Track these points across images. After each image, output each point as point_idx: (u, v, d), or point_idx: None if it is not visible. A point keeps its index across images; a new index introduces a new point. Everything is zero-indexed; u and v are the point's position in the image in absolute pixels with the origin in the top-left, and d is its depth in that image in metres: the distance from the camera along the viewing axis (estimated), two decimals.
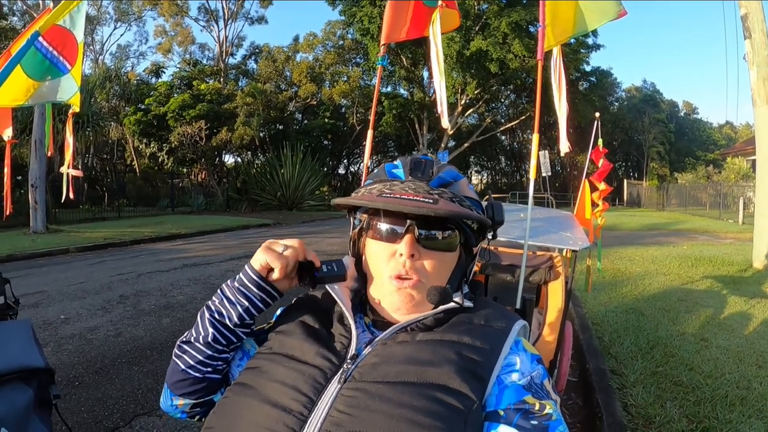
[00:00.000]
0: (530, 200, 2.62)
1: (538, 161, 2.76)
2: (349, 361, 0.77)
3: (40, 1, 13.73)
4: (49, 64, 3.11)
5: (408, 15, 2.93)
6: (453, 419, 0.67)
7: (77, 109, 3.38)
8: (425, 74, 26.52)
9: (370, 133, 2.78)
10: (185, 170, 26.13)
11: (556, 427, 0.69)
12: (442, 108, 2.80)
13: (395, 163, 0.91)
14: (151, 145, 23.69)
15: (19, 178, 14.93)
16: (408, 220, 0.82)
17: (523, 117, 28.37)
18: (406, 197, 0.80)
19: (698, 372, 3.17)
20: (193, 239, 11.73)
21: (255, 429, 0.71)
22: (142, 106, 23.77)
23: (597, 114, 4.71)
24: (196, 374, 0.87)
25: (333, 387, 0.74)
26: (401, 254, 0.81)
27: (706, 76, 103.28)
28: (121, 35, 55.12)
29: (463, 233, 0.87)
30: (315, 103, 27.82)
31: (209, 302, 0.89)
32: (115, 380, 3.29)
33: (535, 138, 2.61)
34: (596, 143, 4.40)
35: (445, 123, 2.79)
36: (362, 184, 0.93)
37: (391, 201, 0.80)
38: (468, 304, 0.86)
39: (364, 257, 0.89)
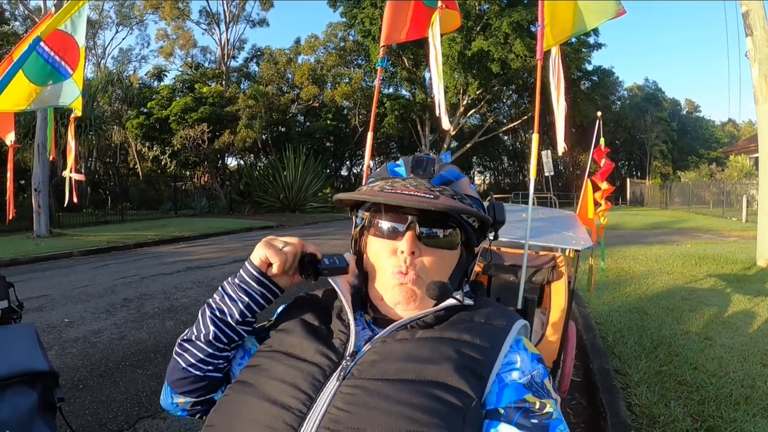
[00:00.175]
0: (530, 200, 2.61)
1: (540, 161, 2.76)
2: (348, 358, 0.78)
3: (42, 6, 13.78)
4: (51, 69, 3.13)
5: (408, 16, 2.93)
6: (451, 416, 0.68)
7: (79, 114, 3.40)
8: (427, 75, 26.50)
9: (370, 134, 2.78)
10: (188, 173, 26.17)
11: (557, 425, 0.69)
12: (441, 110, 2.80)
13: (397, 162, 0.92)
14: (154, 149, 23.77)
15: (22, 182, 15.02)
16: (409, 217, 0.82)
17: (525, 117, 28.31)
18: (407, 192, 0.81)
19: (702, 371, 3.16)
20: (196, 242, 11.75)
21: (255, 426, 0.71)
22: (145, 110, 23.85)
23: (598, 113, 4.70)
24: (197, 372, 0.87)
25: (332, 384, 0.74)
26: (402, 251, 0.82)
27: (708, 74, 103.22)
28: (123, 39, 55.16)
29: (464, 232, 0.88)
30: (317, 105, 27.86)
31: (210, 300, 0.89)
32: (119, 383, 3.30)
33: (535, 138, 2.61)
34: (598, 142, 4.38)
35: (446, 125, 2.79)
36: (364, 183, 0.93)
37: (392, 196, 0.81)
38: (468, 301, 0.86)
39: (365, 255, 0.90)
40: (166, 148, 23.27)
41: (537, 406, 0.71)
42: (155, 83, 27.85)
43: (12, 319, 2.11)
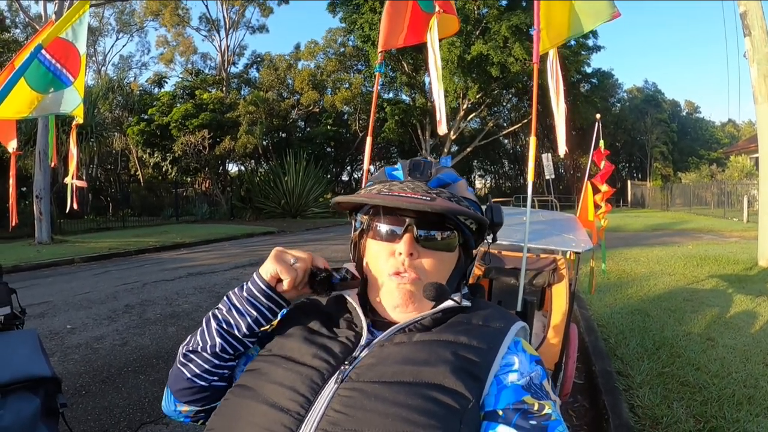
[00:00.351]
0: (529, 202, 2.62)
1: (540, 164, 2.77)
2: (346, 362, 0.78)
3: (43, 13, 13.85)
4: (53, 77, 3.15)
5: (405, 21, 2.94)
6: (448, 418, 0.68)
7: (81, 121, 3.42)
8: (427, 80, 26.56)
9: (369, 139, 2.79)
10: (189, 179, 26.22)
11: (555, 427, 0.70)
12: (441, 116, 2.81)
13: (395, 165, 0.93)
14: (155, 155, 23.84)
15: (24, 189, 15.03)
16: (407, 220, 0.83)
17: (526, 120, 28.27)
18: (404, 195, 0.82)
19: (705, 372, 3.15)
20: (197, 248, 11.76)
21: (254, 429, 0.72)
22: (145, 116, 23.93)
23: (598, 115, 4.70)
24: (202, 383, 0.88)
25: (330, 387, 0.74)
26: (400, 253, 0.82)
27: (707, 74, 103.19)
28: (123, 46, 55.83)
29: (462, 234, 0.88)
30: (317, 110, 27.91)
31: (215, 310, 0.89)
32: (122, 389, 3.30)
33: (533, 141, 2.61)
34: (598, 145, 4.39)
35: (443, 129, 2.80)
36: (363, 187, 0.94)
37: (389, 198, 0.81)
38: (466, 303, 0.87)
39: (364, 259, 0.91)
40: (167, 154, 23.33)
41: (535, 408, 0.71)
42: (156, 90, 27.94)
43: (14, 326, 2.12)
